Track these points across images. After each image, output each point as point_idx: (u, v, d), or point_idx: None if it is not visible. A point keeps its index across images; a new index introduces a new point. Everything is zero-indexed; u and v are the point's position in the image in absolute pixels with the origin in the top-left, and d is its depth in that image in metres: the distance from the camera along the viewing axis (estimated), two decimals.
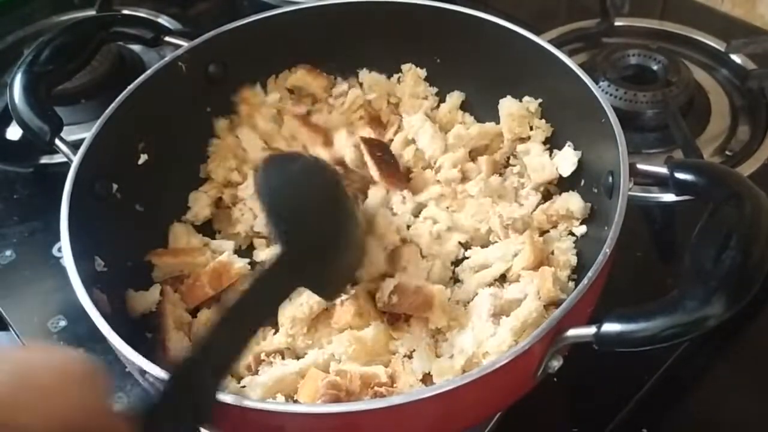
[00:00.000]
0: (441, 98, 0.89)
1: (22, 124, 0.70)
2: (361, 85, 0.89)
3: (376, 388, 0.59)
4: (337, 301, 0.67)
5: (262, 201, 0.59)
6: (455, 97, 0.87)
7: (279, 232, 0.57)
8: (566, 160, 0.76)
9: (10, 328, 0.82)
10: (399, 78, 0.89)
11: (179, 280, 0.74)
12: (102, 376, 0.37)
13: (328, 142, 0.82)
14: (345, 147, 0.79)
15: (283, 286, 0.55)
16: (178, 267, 0.74)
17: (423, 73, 0.88)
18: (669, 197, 0.88)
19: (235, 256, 0.74)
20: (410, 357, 0.65)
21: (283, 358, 0.66)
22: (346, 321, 0.66)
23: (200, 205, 0.81)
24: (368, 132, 0.84)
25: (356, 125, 0.86)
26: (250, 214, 0.79)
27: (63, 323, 0.81)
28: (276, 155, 0.73)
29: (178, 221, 0.80)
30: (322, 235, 0.60)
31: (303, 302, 0.67)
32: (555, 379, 0.72)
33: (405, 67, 0.89)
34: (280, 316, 0.67)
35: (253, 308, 0.53)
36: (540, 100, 0.81)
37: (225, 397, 0.49)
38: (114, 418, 0.37)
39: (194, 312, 0.72)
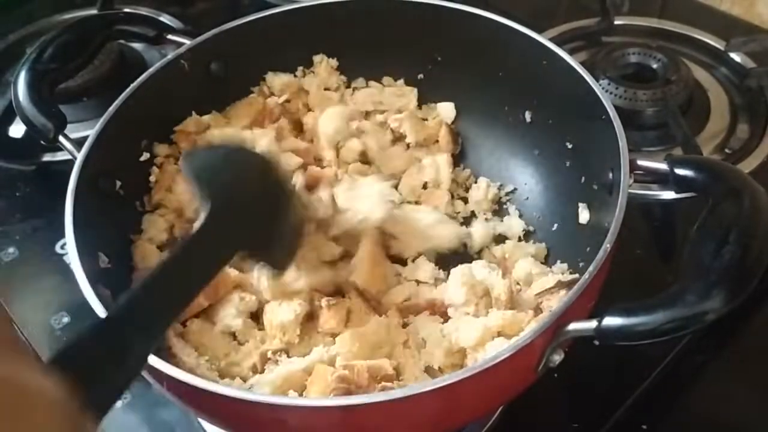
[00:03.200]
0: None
1: (26, 121, 0.71)
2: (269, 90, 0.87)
3: (383, 383, 0.59)
4: (324, 304, 0.67)
5: (187, 175, 0.60)
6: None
7: (204, 198, 0.57)
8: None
9: (14, 325, 0.82)
10: (304, 72, 0.88)
11: None
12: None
13: None
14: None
15: (214, 250, 0.56)
16: None
17: (335, 63, 0.88)
18: (669, 195, 0.89)
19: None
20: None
21: (288, 356, 0.67)
22: (330, 326, 0.67)
23: (156, 228, 0.76)
24: (292, 141, 0.84)
25: (283, 134, 0.85)
26: None
27: (66, 320, 0.81)
28: (193, 149, 0.74)
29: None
30: (249, 199, 0.62)
31: (285, 307, 0.67)
32: (555, 375, 0.73)
33: (317, 58, 0.88)
34: (270, 327, 0.67)
35: (181, 274, 0.52)
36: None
37: (230, 391, 0.50)
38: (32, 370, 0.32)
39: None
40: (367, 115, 0.87)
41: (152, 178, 0.78)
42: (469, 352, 0.63)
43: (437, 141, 0.87)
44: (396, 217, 0.76)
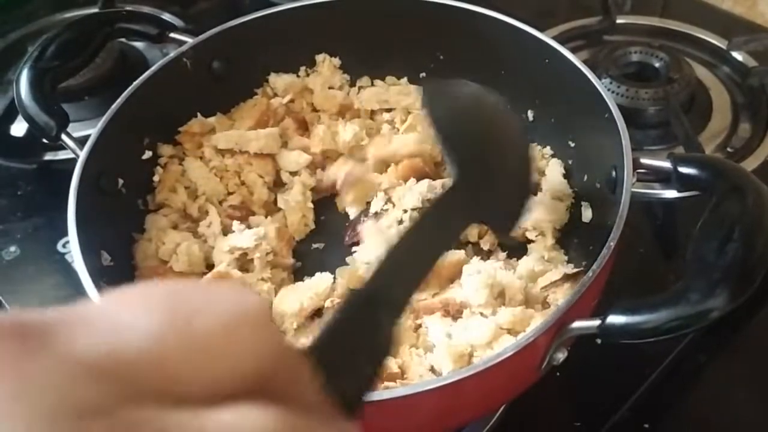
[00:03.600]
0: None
1: (29, 119, 0.71)
2: (273, 91, 0.87)
3: (386, 382, 0.59)
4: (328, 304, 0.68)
5: (434, 130, 0.54)
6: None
7: (452, 160, 0.51)
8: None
9: None
10: (307, 71, 0.88)
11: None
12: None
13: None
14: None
15: (458, 218, 0.49)
16: None
17: (337, 62, 0.88)
18: (671, 194, 0.88)
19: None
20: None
21: None
22: None
23: (158, 227, 0.75)
24: (298, 140, 0.84)
25: (288, 133, 0.84)
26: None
27: None
28: (435, 85, 0.66)
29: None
30: (495, 163, 0.56)
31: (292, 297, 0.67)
32: (558, 374, 0.73)
33: (319, 57, 0.88)
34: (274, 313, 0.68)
35: (428, 240, 0.46)
36: None
37: None
38: (293, 357, 0.27)
39: None
40: (372, 114, 0.87)
41: (156, 178, 0.78)
42: (478, 351, 0.63)
43: None
44: None
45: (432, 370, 0.63)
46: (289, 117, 0.85)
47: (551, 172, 0.79)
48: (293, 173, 0.82)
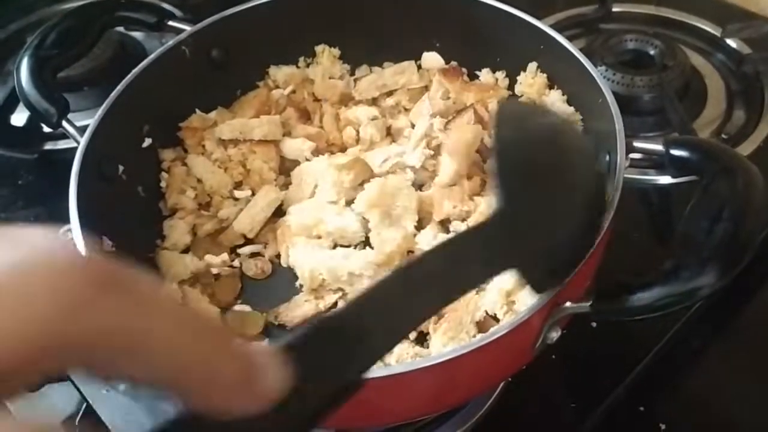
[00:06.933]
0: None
1: (30, 106, 0.71)
2: (274, 83, 0.87)
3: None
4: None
5: (493, 154, 0.46)
6: None
7: (503, 188, 0.43)
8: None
9: None
10: (307, 62, 0.89)
11: (195, 278, 0.73)
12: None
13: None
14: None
15: (493, 255, 0.41)
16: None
17: (337, 52, 0.88)
18: (666, 180, 0.90)
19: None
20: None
21: None
22: None
23: (178, 232, 0.75)
24: (302, 128, 0.84)
25: (290, 123, 0.85)
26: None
27: None
28: (512, 105, 0.60)
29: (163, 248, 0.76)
30: (553, 204, 0.46)
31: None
32: (553, 357, 0.74)
33: (319, 48, 0.88)
34: None
35: (450, 272, 0.39)
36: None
37: None
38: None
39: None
40: (374, 101, 0.87)
41: (163, 184, 0.78)
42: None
43: None
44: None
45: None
46: (291, 107, 0.86)
47: (552, 100, 0.79)
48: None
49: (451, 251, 0.40)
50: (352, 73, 0.90)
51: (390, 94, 0.87)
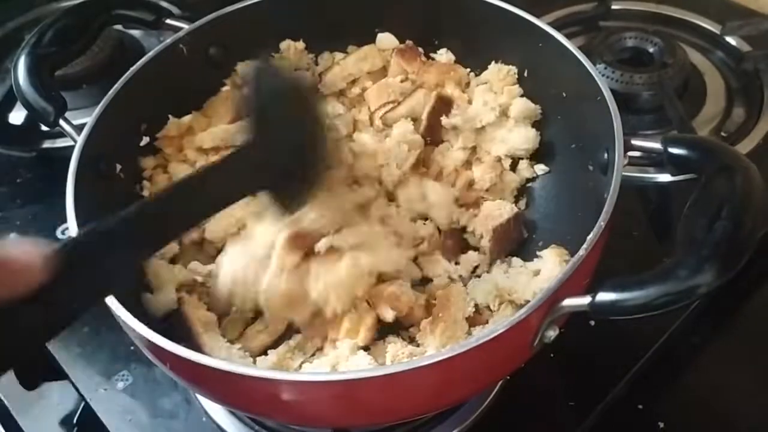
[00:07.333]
0: None
1: (27, 105, 0.71)
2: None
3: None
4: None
5: (250, 104, 0.61)
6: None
7: (258, 126, 0.59)
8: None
9: None
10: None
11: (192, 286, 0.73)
12: None
13: None
14: None
15: (246, 178, 0.56)
16: None
17: (301, 45, 0.87)
18: (665, 177, 0.90)
19: None
20: None
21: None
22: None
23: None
24: None
25: None
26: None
27: None
28: (265, 66, 0.72)
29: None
30: (295, 143, 0.62)
31: None
32: (552, 356, 0.74)
33: (283, 45, 0.87)
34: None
35: (211, 188, 0.53)
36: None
37: (229, 366, 0.51)
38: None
39: None
40: (341, 93, 0.87)
41: (145, 193, 0.77)
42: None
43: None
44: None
45: None
46: None
47: (510, 96, 0.80)
48: None
49: (217, 169, 0.54)
50: (316, 63, 0.89)
51: (354, 82, 0.87)
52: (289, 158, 0.61)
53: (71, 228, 0.60)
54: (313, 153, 0.65)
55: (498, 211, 0.76)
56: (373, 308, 0.68)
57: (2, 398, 0.78)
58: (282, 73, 0.70)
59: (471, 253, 0.76)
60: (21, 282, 0.37)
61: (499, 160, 0.80)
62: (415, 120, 0.82)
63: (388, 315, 0.67)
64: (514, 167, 0.81)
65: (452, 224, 0.78)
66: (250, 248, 0.68)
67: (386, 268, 0.69)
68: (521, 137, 0.79)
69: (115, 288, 0.46)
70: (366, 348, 0.67)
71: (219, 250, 0.76)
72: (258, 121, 0.59)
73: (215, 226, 0.74)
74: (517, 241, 0.76)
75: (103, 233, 0.46)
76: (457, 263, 0.76)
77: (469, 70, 0.85)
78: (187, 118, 0.81)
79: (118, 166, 0.73)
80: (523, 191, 0.81)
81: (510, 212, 0.75)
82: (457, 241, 0.77)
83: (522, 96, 0.81)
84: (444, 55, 0.85)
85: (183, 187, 0.52)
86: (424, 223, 0.77)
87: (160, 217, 0.49)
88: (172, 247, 0.75)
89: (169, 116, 0.79)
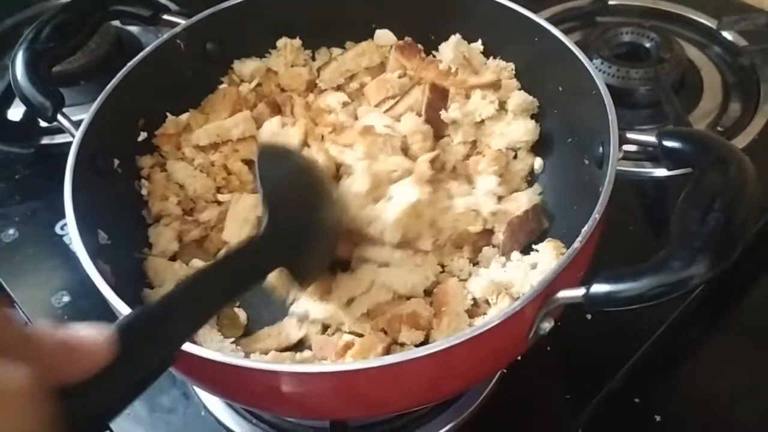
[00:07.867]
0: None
1: (25, 100, 0.71)
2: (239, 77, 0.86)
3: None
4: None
5: (262, 187, 0.62)
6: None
7: (270, 213, 0.60)
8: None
9: (16, 305, 0.83)
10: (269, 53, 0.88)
11: None
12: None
13: None
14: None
15: (263, 261, 0.58)
16: None
17: (298, 42, 0.87)
18: (661, 172, 0.90)
19: None
20: None
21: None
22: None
23: (165, 239, 0.75)
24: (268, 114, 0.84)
25: (263, 118, 0.84)
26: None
27: (66, 299, 0.83)
28: (270, 148, 0.72)
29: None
30: (307, 222, 0.65)
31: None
32: (548, 349, 0.74)
33: (280, 42, 0.87)
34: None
35: (229, 276, 0.54)
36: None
37: (221, 357, 0.51)
38: None
39: None
40: (339, 87, 0.87)
41: (144, 192, 0.77)
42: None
43: None
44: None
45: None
46: (261, 102, 0.85)
47: (509, 89, 0.81)
48: None
49: (233, 260, 0.57)
50: (313, 58, 0.89)
51: (352, 77, 0.87)
52: (301, 238, 0.63)
53: (70, 225, 0.60)
54: (325, 230, 0.67)
55: (515, 204, 0.75)
56: (389, 335, 0.66)
57: None
58: (286, 155, 0.70)
59: (486, 249, 0.74)
60: (93, 363, 0.38)
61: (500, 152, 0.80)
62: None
63: (409, 339, 0.66)
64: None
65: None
66: None
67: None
68: (521, 129, 0.79)
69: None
70: None
71: (219, 249, 0.77)
72: (270, 208, 0.60)
73: (232, 227, 0.75)
74: (536, 233, 0.74)
75: (149, 312, 0.49)
76: (476, 263, 0.74)
77: None
78: (185, 116, 0.81)
79: (116, 162, 0.73)
80: (534, 179, 0.81)
81: (527, 204, 0.74)
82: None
83: (519, 90, 0.81)
84: (445, 62, 0.85)
85: (200, 281, 0.53)
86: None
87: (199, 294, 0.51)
88: (173, 245, 0.75)
89: (167, 114, 0.79)
